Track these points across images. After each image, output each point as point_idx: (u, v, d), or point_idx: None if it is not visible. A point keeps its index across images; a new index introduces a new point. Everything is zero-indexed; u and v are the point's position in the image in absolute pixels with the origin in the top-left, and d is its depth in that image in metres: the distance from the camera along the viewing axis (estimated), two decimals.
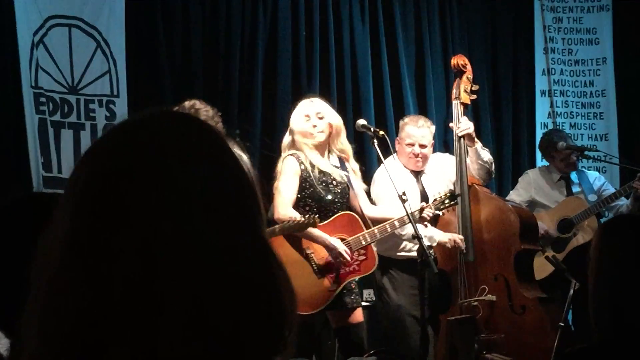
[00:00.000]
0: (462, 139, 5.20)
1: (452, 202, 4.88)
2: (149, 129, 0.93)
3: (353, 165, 4.96)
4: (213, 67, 6.19)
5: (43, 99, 5.50)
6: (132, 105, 5.82)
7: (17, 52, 5.41)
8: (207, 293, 0.86)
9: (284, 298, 0.92)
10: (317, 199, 4.78)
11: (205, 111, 4.70)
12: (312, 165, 4.80)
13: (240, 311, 0.88)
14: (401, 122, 5.46)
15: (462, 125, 5.20)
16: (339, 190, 4.84)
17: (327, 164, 4.86)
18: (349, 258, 4.70)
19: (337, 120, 4.88)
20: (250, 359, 0.88)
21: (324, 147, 4.87)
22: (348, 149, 4.92)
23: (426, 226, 4.91)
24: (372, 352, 5.02)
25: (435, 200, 4.89)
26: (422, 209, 4.78)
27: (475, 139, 5.27)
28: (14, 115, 5.41)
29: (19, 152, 5.40)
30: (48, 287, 0.87)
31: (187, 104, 4.71)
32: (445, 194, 4.88)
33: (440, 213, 5.01)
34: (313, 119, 4.80)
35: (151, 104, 5.84)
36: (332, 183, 4.82)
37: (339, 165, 4.90)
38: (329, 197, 4.80)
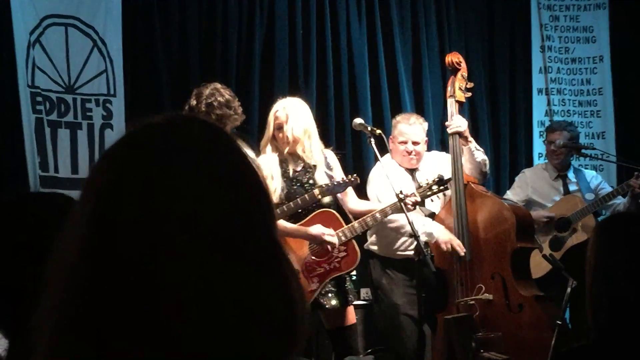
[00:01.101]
0: (456, 136, 5.20)
1: (440, 187, 4.75)
2: (160, 134, 0.94)
3: (332, 163, 4.89)
4: (210, 66, 6.19)
5: (40, 99, 5.50)
6: (129, 104, 5.82)
7: (13, 52, 5.40)
8: (216, 294, 0.87)
9: (295, 299, 0.92)
10: (292, 199, 4.75)
11: (228, 93, 4.73)
12: (286, 166, 4.78)
13: (250, 313, 0.88)
14: (394, 121, 5.46)
15: (454, 123, 5.20)
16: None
17: (301, 164, 4.80)
18: (333, 240, 4.64)
19: (296, 131, 4.74)
20: (262, 357, 0.89)
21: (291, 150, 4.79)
22: (312, 157, 4.79)
23: (410, 210, 4.82)
24: (369, 351, 5.02)
25: (420, 187, 4.79)
26: (405, 196, 4.68)
27: (470, 139, 5.25)
28: (11, 115, 5.40)
29: (15, 152, 5.40)
30: (63, 287, 0.88)
31: (209, 85, 4.74)
32: (433, 180, 4.76)
33: (430, 200, 4.98)
34: (283, 126, 4.74)
35: (148, 103, 5.88)
36: (307, 182, 4.79)
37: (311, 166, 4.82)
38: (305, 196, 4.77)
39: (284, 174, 4.76)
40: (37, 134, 5.44)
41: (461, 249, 4.95)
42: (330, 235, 4.64)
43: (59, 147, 5.56)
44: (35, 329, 0.90)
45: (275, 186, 4.69)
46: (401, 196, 4.55)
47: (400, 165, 5.28)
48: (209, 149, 0.94)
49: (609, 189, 5.93)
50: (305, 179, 4.77)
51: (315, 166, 4.79)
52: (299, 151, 4.74)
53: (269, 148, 4.80)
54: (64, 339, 0.87)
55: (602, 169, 6.96)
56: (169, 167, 0.90)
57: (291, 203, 4.61)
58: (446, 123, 5.33)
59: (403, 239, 5.09)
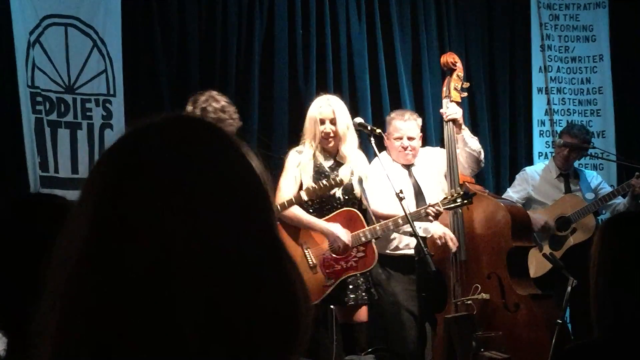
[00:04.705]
0: (450, 124, 5.21)
1: (464, 202, 4.79)
2: (161, 134, 0.94)
3: (363, 169, 4.97)
4: (209, 66, 6.19)
5: (39, 99, 5.50)
6: (129, 104, 5.82)
7: (13, 52, 5.40)
8: (221, 294, 0.87)
9: (298, 296, 0.92)
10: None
11: (225, 99, 4.80)
12: (316, 161, 4.81)
13: (255, 312, 0.88)
14: (388, 118, 5.48)
15: (449, 110, 5.22)
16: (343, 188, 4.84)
17: (333, 162, 4.87)
18: (346, 240, 4.67)
19: (342, 127, 4.87)
20: (266, 357, 0.89)
21: (334, 147, 4.90)
22: (349, 154, 4.90)
23: (431, 221, 4.88)
24: (370, 350, 5.02)
25: (445, 198, 4.84)
26: (429, 206, 4.77)
27: (463, 126, 5.26)
28: (11, 115, 5.40)
29: (15, 152, 5.40)
30: (64, 290, 0.88)
31: (205, 92, 4.82)
32: (458, 193, 4.82)
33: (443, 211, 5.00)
34: (327, 124, 4.83)
35: (148, 103, 5.88)
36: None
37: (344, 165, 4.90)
38: (331, 192, 4.80)
39: (317, 169, 4.85)
40: (37, 134, 5.44)
41: (454, 244, 4.96)
42: (345, 236, 4.67)
43: (59, 147, 5.56)
44: (36, 333, 0.89)
45: (307, 182, 4.77)
46: (402, 195, 4.57)
47: (395, 161, 5.29)
48: (208, 148, 0.94)
49: (609, 189, 5.95)
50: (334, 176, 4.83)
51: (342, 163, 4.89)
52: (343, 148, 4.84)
53: (307, 144, 4.89)
54: (66, 344, 0.87)
55: (602, 168, 6.96)
56: (168, 167, 0.90)
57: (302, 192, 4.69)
58: (441, 111, 5.34)
59: (401, 236, 5.10)
